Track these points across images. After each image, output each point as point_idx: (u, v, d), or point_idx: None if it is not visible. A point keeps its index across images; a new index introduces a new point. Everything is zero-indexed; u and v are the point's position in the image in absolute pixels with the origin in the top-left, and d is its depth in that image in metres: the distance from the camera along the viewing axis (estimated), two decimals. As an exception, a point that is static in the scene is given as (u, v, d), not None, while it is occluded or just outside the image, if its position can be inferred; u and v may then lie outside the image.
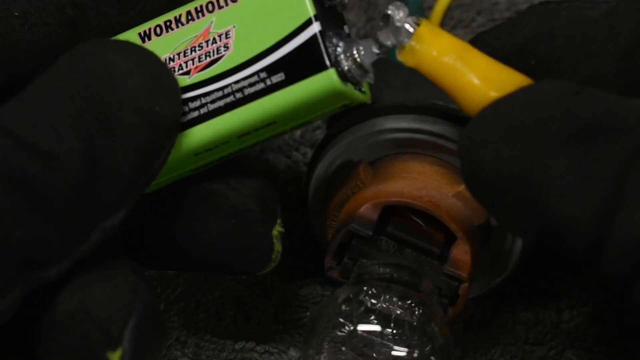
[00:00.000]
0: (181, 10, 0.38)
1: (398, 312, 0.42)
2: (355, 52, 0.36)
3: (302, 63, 0.36)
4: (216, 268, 0.41)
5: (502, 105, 0.35)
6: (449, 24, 0.59)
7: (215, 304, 0.49)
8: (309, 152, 0.54)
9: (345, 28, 0.38)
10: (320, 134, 0.54)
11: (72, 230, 0.34)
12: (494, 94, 0.36)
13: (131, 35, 0.38)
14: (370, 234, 0.43)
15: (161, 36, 0.38)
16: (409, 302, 0.43)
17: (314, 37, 0.36)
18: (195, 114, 0.37)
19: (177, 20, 0.38)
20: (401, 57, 0.37)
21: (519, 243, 0.45)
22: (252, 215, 0.39)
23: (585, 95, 0.34)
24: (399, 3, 0.37)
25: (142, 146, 0.35)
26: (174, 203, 0.40)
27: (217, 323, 0.49)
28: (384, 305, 0.42)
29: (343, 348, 0.42)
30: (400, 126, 0.42)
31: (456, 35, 0.57)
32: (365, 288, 0.43)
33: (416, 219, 0.43)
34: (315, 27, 0.36)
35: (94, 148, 0.34)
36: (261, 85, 0.37)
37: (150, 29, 0.38)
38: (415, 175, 0.43)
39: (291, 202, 0.52)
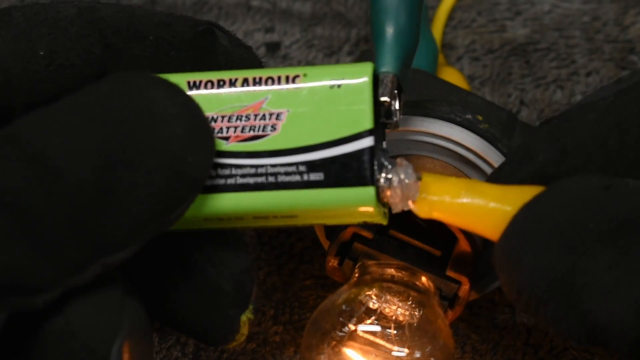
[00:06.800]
0: (237, 74, 0.37)
1: (399, 313, 0.42)
2: (394, 176, 0.36)
3: (345, 171, 0.35)
4: (179, 329, 0.40)
5: (534, 209, 0.34)
6: (449, 24, 0.59)
7: (215, 304, 0.49)
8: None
9: (384, 144, 0.37)
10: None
11: (67, 261, 0.32)
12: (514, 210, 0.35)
13: (180, 80, 0.36)
14: (373, 234, 0.43)
15: (210, 92, 0.36)
16: (409, 303, 0.43)
17: (365, 150, 0.35)
18: (222, 181, 0.36)
19: (232, 83, 0.36)
20: (416, 209, 0.37)
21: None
22: (225, 297, 0.38)
23: (615, 189, 0.34)
24: (394, 168, 0.36)
25: (162, 192, 0.33)
26: (155, 256, 0.38)
27: (217, 323, 0.49)
28: (385, 306, 0.42)
29: (343, 348, 0.42)
30: (403, 128, 0.42)
31: (456, 35, 0.58)
32: (366, 288, 0.43)
33: (418, 220, 0.43)
34: (370, 141, 0.35)
35: (111, 182, 0.32)
36: (297, 178, 0.36)
37: (200, 81, 0.37)
38: (419, 176, 0.43)
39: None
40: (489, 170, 0.43)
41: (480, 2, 0.59)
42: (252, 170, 0.36)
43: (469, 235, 0.43)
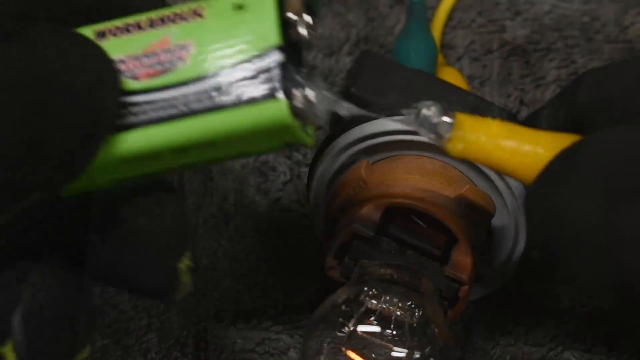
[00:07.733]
0: (143, 16, 0.37)
1: (398, 313, 0.42)
2: (309, 91, 0.36)
3: (256, 89, 0.36)
4: (122, 287, 0.39)
5: (571, 156, 0.34)
6: (449, 24, 0.59)
7: (214, 304, 0.49)
8: (310, 153, 0.54)
9: (303, 69, 0.38)
10: (322, 134, 0.54)
11: None
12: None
13: (87, 32, 0.37)
14: (372, 234, 0.43)
15: (117, 37, 0.37)
16: (409, 303, 0.43)
17: (273, 66, 0.36)
18: (135, 119, 0.36)
19: (137, 25, 0.37)
20: (449, 149, 0.36)
21: (519, 247, 0.45)
22: (158, 248, 0.38)
23: None
24: (428, 102, 0.36)
25: (71, 134, 0.34)
26: (80, 215, 0.38)
27: (216, 324, 0.49)
28: (384, 306, 0.42)
29: (343, 349, 0.42)
30: (403, 127, 0.42)
31: (456, 35, 0.58)
32: (365, 289, 0.43)
33: (418, 221, 0.43)
34: (277, 56, 0.36)
35: (25, 133, 0.33)
36: (208, 103, 0.36)
37: (107, 29, 0.37)
38: (418, 176, 0.43)
39: (292, 202, 0.52)
40: (489, 171, 0.43)
41: (480, 2, 0.59)
42: (165, 104, 0.36)
43: (468, 236, 0.43)
